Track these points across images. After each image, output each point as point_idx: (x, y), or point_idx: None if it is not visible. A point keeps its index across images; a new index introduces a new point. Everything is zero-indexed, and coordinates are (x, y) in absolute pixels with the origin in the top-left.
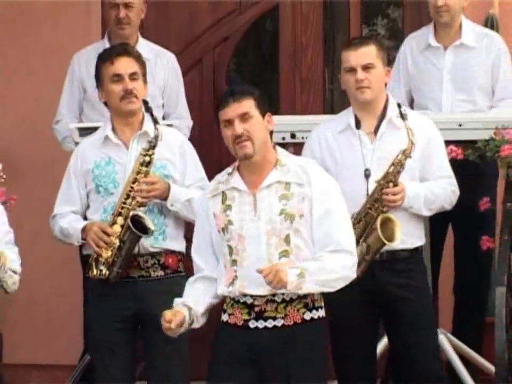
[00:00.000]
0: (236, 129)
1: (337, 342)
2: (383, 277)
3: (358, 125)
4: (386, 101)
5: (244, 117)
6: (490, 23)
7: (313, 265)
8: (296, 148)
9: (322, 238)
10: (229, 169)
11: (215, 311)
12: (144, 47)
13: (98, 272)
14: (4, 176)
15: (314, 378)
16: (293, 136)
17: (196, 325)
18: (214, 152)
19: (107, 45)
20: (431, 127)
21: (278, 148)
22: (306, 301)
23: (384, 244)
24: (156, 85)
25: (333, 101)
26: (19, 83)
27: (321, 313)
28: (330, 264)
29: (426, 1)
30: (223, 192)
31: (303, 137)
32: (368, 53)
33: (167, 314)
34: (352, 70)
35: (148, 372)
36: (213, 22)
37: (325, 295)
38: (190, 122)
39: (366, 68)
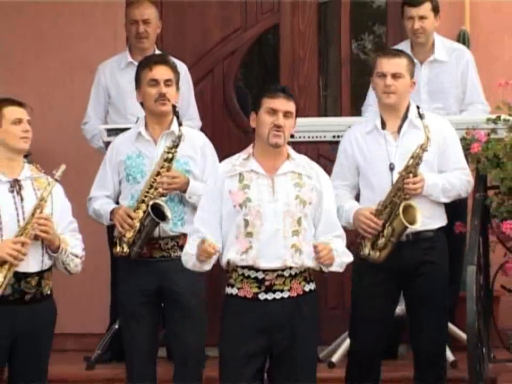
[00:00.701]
0: (280, 121)
1: (360, 308)
2: (409, 255)
3: (383, 125)
4: (409, 104)
5: (287, 114)
6: (462, 37)
7: (340, 249)
8: (295, 146)
9: (330, 225)
10: (243, 155)
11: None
12: None
13: (121, 249)
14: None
15: (314, 338)
16: (292, 136)
17: (207, 267)
18: (224, 150)
19: (128, 57)
20: (447, 125)
21: (289, 147)
22: (305, 275)
23: (407, 227)
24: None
25: (326, 105)
26: (55, 91)
27: (314, 285)
28: (344, 250)
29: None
30: (240, 173)
31: (300, 137)
32: (399, 64)
33: (210, 240)
34: (383, 76)
35: (168, 340)
36: (222, 37)
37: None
38: (199, 123)
39: (395, 76)
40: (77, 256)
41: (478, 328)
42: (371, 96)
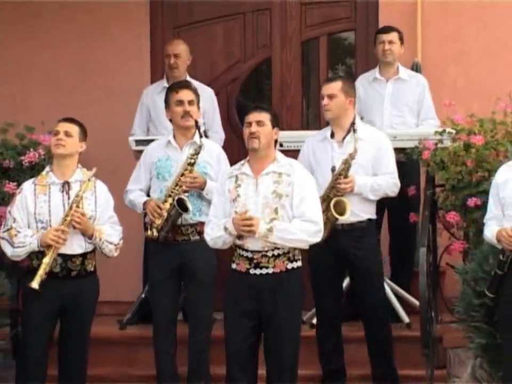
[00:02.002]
0: (252, 129)
1: (315, 282)
2: (344, 240)
3: (332, 135)
4: (354, 119)
5: (259, 122)
6: (415, 66)
7: (282, 225)
8: (284, 153)
9: (299, 213)
10: (242, 162)
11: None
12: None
13: (151, 233)
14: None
15: (295, 306)
16: (281, 145)
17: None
18: (227, 155)
19: (164, 83)
20: (383, 138)
21: (278, 152)
22: (288, 255)
23: (337, 218)
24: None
25: (308, 121)
26: (95, 110)
27: (299, 263)
28: (294, 228)
29: (372, 53)
30: (236, 175)
31: (287, 146)
32: (333, 86)
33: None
34: (322, 98)
35: (186, 305)
36: (225, 68)
37: (309, 251)
38: (223, 136)
39: (330, 96)
40: (111, 243)
41: (428, 297)
42: None
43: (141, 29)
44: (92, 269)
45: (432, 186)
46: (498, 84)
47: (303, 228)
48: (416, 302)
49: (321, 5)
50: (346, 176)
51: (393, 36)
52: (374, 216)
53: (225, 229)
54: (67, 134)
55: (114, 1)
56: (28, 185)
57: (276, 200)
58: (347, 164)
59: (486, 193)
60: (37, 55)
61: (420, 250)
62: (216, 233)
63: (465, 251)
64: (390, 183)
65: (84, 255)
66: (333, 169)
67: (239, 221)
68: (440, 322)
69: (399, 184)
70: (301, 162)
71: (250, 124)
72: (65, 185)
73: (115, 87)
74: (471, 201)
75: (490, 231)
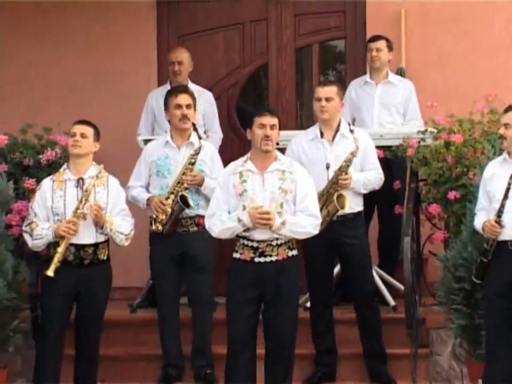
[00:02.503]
0: (268, 132)
1: (309, 269)
2: (338, 230)
3: (322, 135)
4: (340, 121)
5: (273, 127)
6: (400, 71)
7: (293, 219)
8: (280, 151)
9: (303, 208)
10: (243, 159)
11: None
12: (193, 87)
13: (156, 227)
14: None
15: (295, 292)
16: (277, 143)
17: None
18: (228, 153)
19: (168, 87)
20: (367, 137)
21: (276, 150)
22: (288, 244)
23: (338, 210)
24: (199, 111)
25: (302, 121)
26: (108, 113)
27: (296, 251)
28: (303, 222)
29: (360, 59)
30: (240, 171)
31: (283, 144)
32: (330, 90)
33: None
34: (319, 100)
35: (188, 290)
36: (226, 73)
37: (304, 240)
38: (221, 135)
39: (327, 99)
40: (122, 234)
41: (412, 282)
42: (344, 114)
43: (149, 39)
44: (105, 258)
45: (416, 180)
46: (475, 87)
47: (309, 222)
48: (401, 287)
49: (314, 16)
50: (346, 173)
51: (381, 44)
52: (362, 208)
53: (239, 220)
54: (83, 135)
55: (125, 14)
56: (46, 182)
57: (282, 195)
58: (349, 162)
59: (465, 187)
60: (55, 64)
61: (404, 239)
62: (227, 225)
63: (446, 240)
64: (377, 178)
65: (95, 245)
66: (327, 166)
67: (256, 214)
68: (423, 305)
69: (383, 178)
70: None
71: (264, 126)
72: (80, 181)
73: (126, 91)
74: (451, 194)
75: (478, 222)
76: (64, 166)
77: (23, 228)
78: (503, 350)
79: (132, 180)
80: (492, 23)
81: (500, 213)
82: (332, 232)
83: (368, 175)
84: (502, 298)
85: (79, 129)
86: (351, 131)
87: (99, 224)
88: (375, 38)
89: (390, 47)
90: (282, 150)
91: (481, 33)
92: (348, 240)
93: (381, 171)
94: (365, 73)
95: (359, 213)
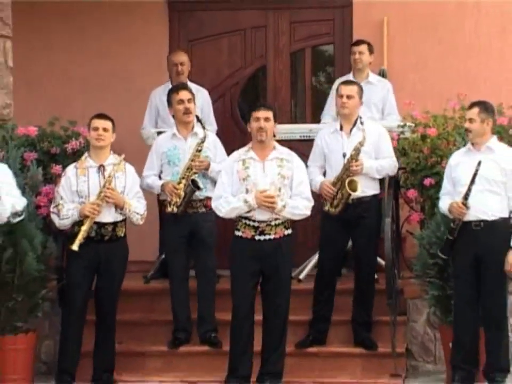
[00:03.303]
0: (261, 124)
1: (324, 244)
2: (354, 211)
3: (341, 128)
4: (358, 116)
5: (267, 119)
6: (382, 73)
7: (292, 203)
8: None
9: (298, 192)
10: (245, 148)
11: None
12: (191, 85)
13: (172, 209)
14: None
15: (289, 264)
16: (274, 136)
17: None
18: (231, 144)
19: (170, 85)
20: (382, 129)
21: (275, 142)
22: (285, 224)
23: (350, 194)
24: (197, 106)
25: (296, 116)
26: (122, 109)
27: (291, 231)
28: (300, 205)
29: (347, 62)
30: (243, 159)
31: (280, 136)
32: (352, 89)
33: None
34: (341, 96)
35: (195, 263)
36: (229, 73)
37: (322, 219)
38: (216, 127)
39: (348, 97)
40: (138, 214)
41: (392, 258)
42: (328, 108)
43: (161, 43)
44: (122, 235)
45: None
46: (448, 87)
47: (304, 205)
48: (382, 262)
49: (307, 23)
50: (356, 160)
51: (363, 47)
52: (378, 192)
53: (245, 202)
54: (105, 129)
55: (140, 21)
56: (70, 169)
57: (281, 180)
58: (357, 150)
59: (439, 174)
60: (78, 64)
61: (385, 220)
62: (233, 205)
63: (421, 221)
64: (391, 165)
65: (114, 223)
66: (344, 155)
67: (262, 197)
68: (402, 278)
69: (397, 165)
70: (315, 150)
71: (259, 119)
72: (101, 168)
73: (140, 89)
74: (427, 181)
75: (444, 204)
76: (86, 154)
77: (51, 209)
78: (469, 315)
79: (145, 170)
80: (462, 30)
81: (466, 196)
82: (347, 213)
83: (382, 162)
84: (467, 271)
85: (101, 123)
86: (361, 123)
87: (119, 206)
88: (358, 42)
89: (371, 50)
90: (280, 142)
91: (454, 39)
92: (361, 221)
93: (394, 159)
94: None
95: (374, 196)
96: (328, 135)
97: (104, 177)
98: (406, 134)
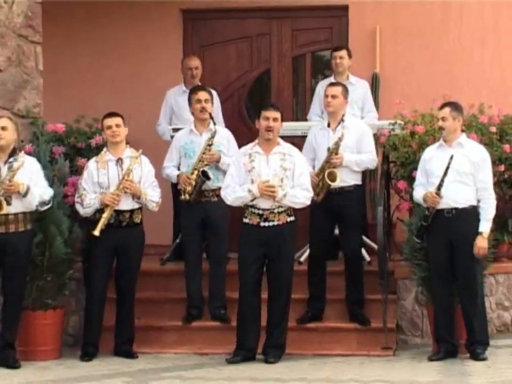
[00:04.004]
0: (270, 124)
1: (313, 230)
2: (336, 200)
3: (329, 125)
4: (343, 114)
5: (275, 119)
6: (375, 76)
7: (291, 192)
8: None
9: (299, 183)
10: (252, 144)
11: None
12: None
13: (185, 197)
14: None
15: (292, 250)
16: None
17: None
18: (238, 140)
19: (183, 87)
20: (364, 126)
21: (279, 138)
22: (288, 211)
23: (330, 184)
24: (214, 107)
25: (297, 115)
26: (141, 107)
27: (293, 218)
28: (299, 195)
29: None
30: (249, 153)
31: (283, 133)
32: (337, 89)
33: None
34: (327, 96)
35: (207, 246)
36: (237, 76)
37: (311, 208)
38: (223, 125)
39: (333, 96)
40: (153, 202)
41: (384, 242)
42: (313, 108)
43: (176, 48)
44: (138, 221)
45: (387, 162)
46: (434, 89)
47: (304, 195)
48: (375, 246)
49: (307, 31)
50: (336, 154)
51: (343, 53)
52: (359, 182)
53: (249, 191)
54: (117, 125)
55: (157, 29)
56: (92, 162)
57: (283, 172)
58: (337, 145)
59: None
60: (101, 67)
61: (378, 208)
62: (238, 194)
63: (410, 209)
64: (370, 159)
65: (131, 211)
66: (328, 149)
67: (263, 187)
68: (392, 260)
69: (377, 160)
70: (307, 145)
71: (268, 118)
72: (119, 161)
73: (157, 90)
74: (415, 173)
75: (418, 194)
76: (104, 149)
77: (75, 199)
78: (444, 293)
79: (166, 161)
80: (447, 38)
81: (439, 187)
82: (331, 201)
83: (363, 156)
84: (441, 254)
85: (113, 121)
86: (343, 120)
87: (136, 195)
88: (338, 48)
89: (349, 55)
90: (283, 138)
91: (439, 46)
92: (344, 209)
93: (374, 154)
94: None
95: (356, 186)
96: (317, 131)
97: (122, 169)
98: (396, 131)
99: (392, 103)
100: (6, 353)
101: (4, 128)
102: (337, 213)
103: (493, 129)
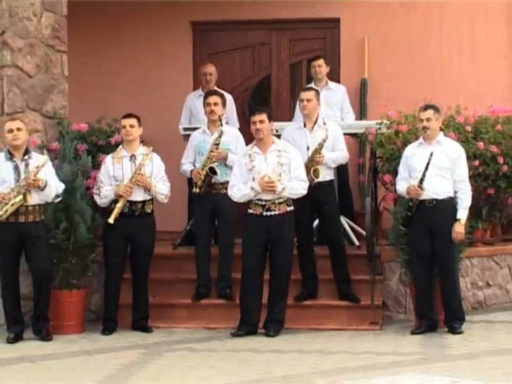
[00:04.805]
0: (257, 126)
1: (297, 221)
2: (317, 193)
3: (305, 126)
4: (317, 116)
5: (261, 121)
6: (363, 82)
7: (289, 185)
8: (277, 137)
9: (296, 175)
10: (252, 145)
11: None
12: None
13: (195, 190)
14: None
15: (291, 236)
16: (276, 131)
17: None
18: (244, 139)
19: (200, 91)
20: (337, 128)
21: (273, 136)
22: (287, 202)
23: (313, 179)
24: (226, 109)
25: (294, 115)
26: (157, 108)
27: (292, 207)
28: (296, 186)
29: (335, 72)
30: (249, 154)
31: (280, 131)
32: (310, 94)
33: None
34: (302, 100)
35: (217, 234)
36: (241, 81)
37: (293, 200)
38: (238, 125)
39: (308, 100)
40: (162, 194)
41: (371, 228)
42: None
43: (186, 55)
44: (149, 211)
45: (374, 158)
46: (417, 92)
47: (301, 185)
48: (364, 232)
49: (303, 41)
50: (319, 153)
51: (321, 61)
52: (333, 177)
53: (252, 188)
54: (131, 126)
55: (170, 39)
56: (108, 158)
57: (280, 167)
58: (321, 145)
59: None
60: (119, 73)
61: (366, 199)
62: (243, 192)
63: (395, 199)
64: (343, 156)
65: (143, 202)
66: (308, 148)
67: (264, 183)
68: (379, 245)
69: (348, 156)
70: None
71: (255, 122)
72: (132, 157)
73: (168, 93)
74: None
75: (401, 187)
76: (120, 146)
77: (94, 191)
78: (423, 274)
79: (183, 158)
80: (428, 48)
81: (421, 180)
82: (312, 194)
83: (337, 154)
84: (422, 239)
85: (127, 122)
86: (324, 123)
87: (147, 188)
88: (316, 58)
89: (327, 64)
90: (279, 136)
91: (421, 55)
92: (323, 200)
93: (345, 150)
94: (338, 81)
95: (331, 180)
96: (294, 131)
97: (135, 165)
98: (382, 129)
99: (379, 105)
100: (40, 326)
101: (18, 129)
102: (316, 204)
103: (469, 128)
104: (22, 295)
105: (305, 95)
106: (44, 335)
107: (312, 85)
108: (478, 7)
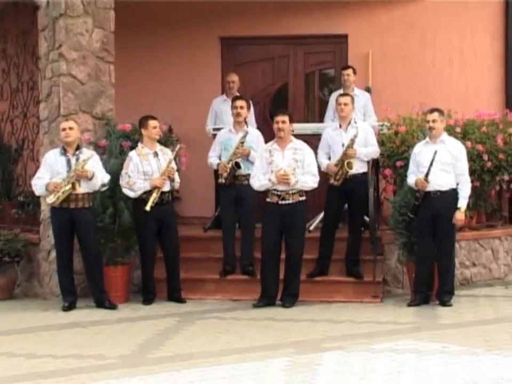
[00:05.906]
0: (280, 126)
1: (328, 206)
2: (350, 183)
3: (340, 126)
4: (351, 117)
5: (284, 122)
6: (367, 89)
7: (302, 178)
8: (294, 136)
9: (309, 171)
10: (272, 142)
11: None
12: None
13: (221, 181)
14: (184, 146)
15: (303, 222)
16: (292, 131)
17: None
18: (264, 138)
19: (225, 97)
20: (369, 127)
21: (291, 136)
22: (300, 192)
23: (348, 171)
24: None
25: (308, 118)
26: (187, 111)
27: (305, 197)
28: (308, 179)
29: (343, 80)
30: (269, 149)
31: (297, 131)
32: (347, 99)
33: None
34: (340, 104)
35: (240, 218)
36: (262, 88)
37: (328, 189)
38: (255, 126)
39: (345, 104)
40: (178, 183)
41: (374, 215)
42: (329, 113)
43: (216, 67)
44: (172, 200)
45: None
46: (413, 98)
47: (312, 179)
48: (367, 219)
49: (316, 54)
50: (352, 148)
51: (349, 71)
52: (366, 170)
53: (269, 180)
54: (160, 127)
55: (201, 52)
56: (134, 155)
57: (295, 163)
58: (353, 141)
59: (406, 159)
60: (158, 81)
61: (369, 190)
62: (262, 182)
63: (394, 191)
64: (375, 151)
65: (170, 191)
66: (343, 145)
67: (280, 175)
68: (380, 230)
69: (379, 151)
70: (322, 142)
71: (278, 122)
72: (155, 154)
73: (199, 99)
74: (398, 164)
75: (410, 180)
76: (140, 144)
77: (123, 185)
78: (427, 255)
79: (210, 152)
80: (424, 60)
81: (427, 174)
82: (346, 185)
83: (370, 149)
84: (426, 224)
85: (155, 123)
86: (355, 122)
87: (172, 179)
88: (345, 67)
89: (355, 72)
90: (297, 136)
91: (418, 66)
92: (355, 190)
93: (377, 146)
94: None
95: (364, 173)
96: (331, 132)
97: (158, 160)
98: (384, 130)
99: (381, 109)
100: (102, 298)
101: (71, 128)
102: (350, 194)
103: (458, 129)
104: (75, 270)
105: (343, 99)
106: (108, 305)
107: (341, 91)
108: (466, 26)
